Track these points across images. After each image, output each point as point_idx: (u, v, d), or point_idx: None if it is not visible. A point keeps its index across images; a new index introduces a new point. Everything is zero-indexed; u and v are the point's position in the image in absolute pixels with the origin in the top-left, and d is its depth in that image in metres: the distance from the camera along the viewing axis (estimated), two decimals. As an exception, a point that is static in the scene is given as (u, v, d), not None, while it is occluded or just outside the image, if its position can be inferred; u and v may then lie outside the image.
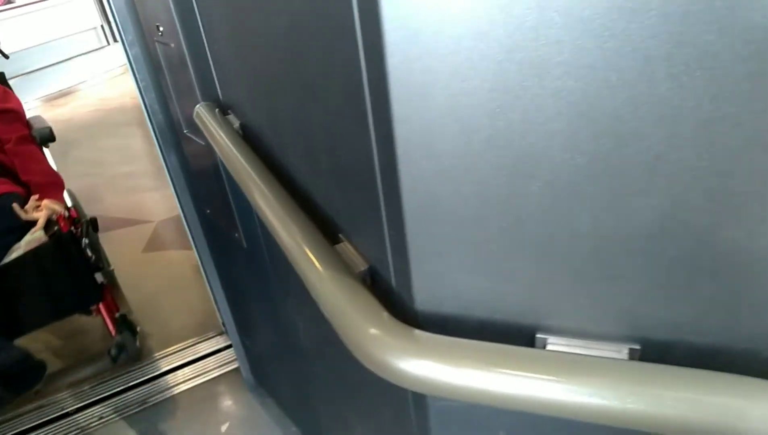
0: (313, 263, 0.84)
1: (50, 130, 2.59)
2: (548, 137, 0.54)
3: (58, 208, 2.23)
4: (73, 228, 2.35)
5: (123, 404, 2.46)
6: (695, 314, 0.60)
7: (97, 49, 5.98)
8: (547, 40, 0.49)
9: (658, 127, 0.50)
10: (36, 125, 2.63)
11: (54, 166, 2.65)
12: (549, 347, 0.68)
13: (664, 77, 0.48)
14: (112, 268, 2.73)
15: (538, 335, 0.68)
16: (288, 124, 0.99)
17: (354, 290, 0.77)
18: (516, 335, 0.69)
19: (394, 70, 0.56)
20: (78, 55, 5.96)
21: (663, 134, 0.51)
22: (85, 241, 2.38)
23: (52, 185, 2.43)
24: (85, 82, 6.05)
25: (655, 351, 0.64)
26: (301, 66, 0.81)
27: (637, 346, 0.64)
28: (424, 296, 0.71)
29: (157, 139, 2.02)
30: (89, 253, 2.39)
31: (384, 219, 0.70)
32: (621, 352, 0.65)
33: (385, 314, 0.73)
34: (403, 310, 0.76)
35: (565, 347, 0.67)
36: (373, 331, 0.72)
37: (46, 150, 2.69)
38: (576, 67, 0.50)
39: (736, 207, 0.52)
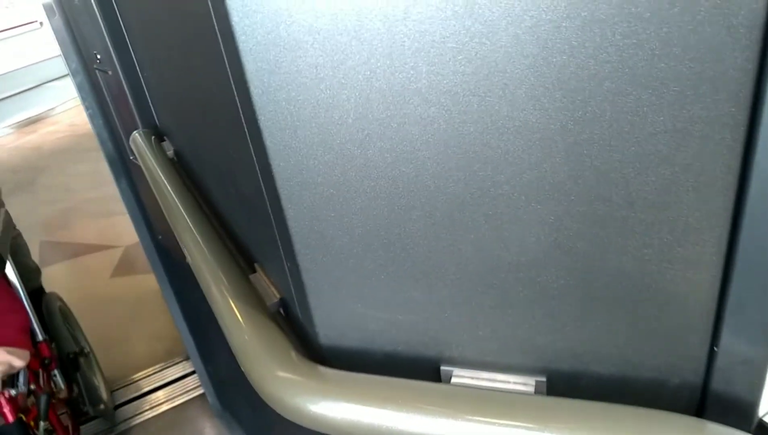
0: (224, 298, 0.80)
1: None
2: (419, 166, 0.51)
3: (16, 361, 1.49)
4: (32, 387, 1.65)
5: (90, 432, 2.40)
6: (595, 344, 0.57)
7: (65, 76, 5.92)
8: (402, 67, 0.47)
9: (528, 153, 0.48)
10: None
11: (16, 283, 1.80)
12: (454, 380, 0.65)
13: (525, 100, 0.45)
14: (103, 405, 2.23)
15: (443, 367, 0.65)
16: (205, 154, 0.96)
17: (260, 326, 0.74)
18: (421, 367, 0.66)
19: (259, 101, 0.53)
20: (47, 82, 5.91)
21: (533, 159, 0.48)
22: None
23: (7, 325, 1.59)
24: (54, 108, 6.00)
25: (562, 382, 0.61)
26: (201, 98, 0.78)
27: (543, 378, 0.61)
28: (327, 330, 0.68)
29: (108, 166, 1.98)
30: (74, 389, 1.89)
31: (281, 250, 0.67)
32: (528, 384, 0.62)
33: (292, 353, 0.70)
34: (310, 345, 0.72)
35: (471, 380, 0.64)
36: (279, 372, 0.68)
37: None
38: (435, 94, 0.47)
39: (618, 233, 0.50)
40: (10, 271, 1.78)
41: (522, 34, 0.43)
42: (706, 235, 0.47)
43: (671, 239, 0.48)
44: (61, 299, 2.33)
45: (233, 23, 0.48)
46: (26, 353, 1.53)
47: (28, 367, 1.57)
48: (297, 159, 0.55)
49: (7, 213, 1.89)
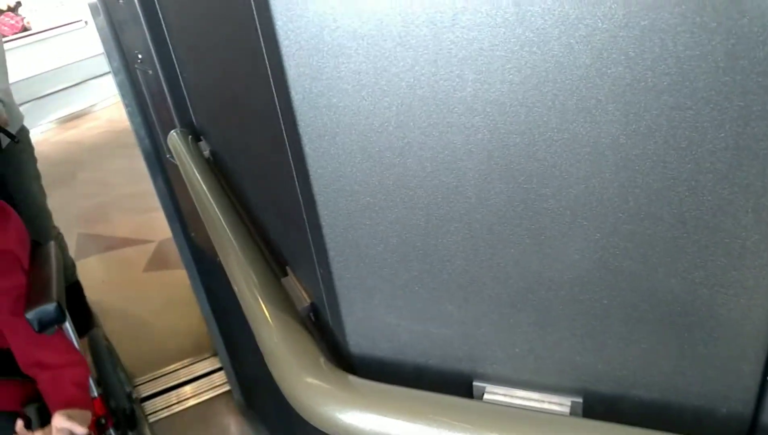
0: (255, 300, 0.80)
1: (56, 308, 1.34)
2: (460, 176, 0.50)
3: (77, 428, 1.23)
4: None
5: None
6: (638, 367, 0.55)
7: (106, 73, 6.06)
8: (448, 75, 0.45)
9: (575, 167, 0.46)
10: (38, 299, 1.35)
11: (73, 340, 1.56)
12: (487, 396, 0.63)
13: (576, 112, 0.44)
14: None
15: (475, 383, 0.63)
16: (241, 155, 0.96)
17: (290, 331, 0.73)
18: (453, 382, 0.64)
19: (300, 106, 0.52)
20: (88, 79, 6.05)
21: (581, 174, 0.46)
22: None
23: (64, 379, 1.36)
24: (95, 105, 6.13)
25: (599, 405, 0.59)
26: (239, 101, 0.78)
27: (580, 399, 0.59)
28: (357, 338, 0.66)
29: (145, 163, 2.00)
30: None
31: (314, 256, 0.66)
32: (563, 405, 0.60)
33: (321, 359, 0.69)
34: (339, 353, 0.71)
35: (504, 397, 0.62)
36: (308, 379, 0.67)
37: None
38: (480, 103, 0.45)
39: (668, 253, 0.47)
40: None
41: (575, 44, 0.41)
42: (764, 260, 0.45)
43: (726, 263, 0.46)
44: (106, 338, 2.07)
45: (277, 27, 0.48)
46: (87, 415, 1.30)
47: None
48: (335, 166, 0.54)
49: (56, 247, 1.64)
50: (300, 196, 0.62)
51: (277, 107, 0.57)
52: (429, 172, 0.51)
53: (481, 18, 0.42)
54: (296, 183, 0.62)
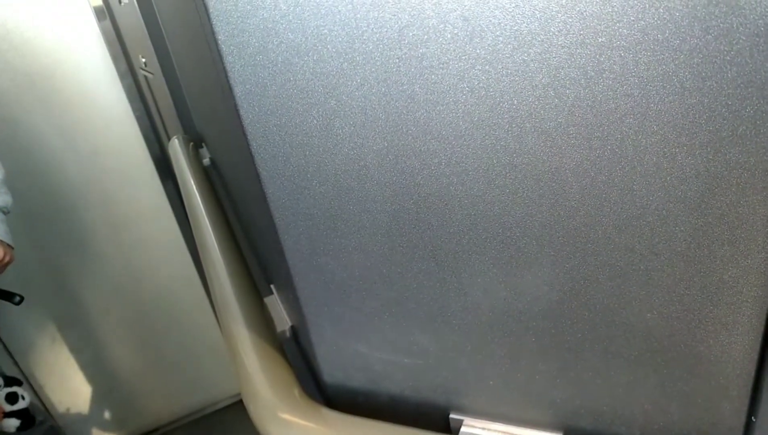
0: (234, 323, 0.77)
1: None
2: (419, 202, 0.46)
3: None
4: None
5: None
6: (617, 403, 0.51)
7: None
8: (398, 94, 0.42)
9: (538, 194, 0.42)
10: None
11: None
12: (464, 429, 0.59)
13: (535, 135, 0.40)
14: None
15: (452, 415, 0.60)
16: (230, 166, 0.94)
17: (267, 358, 0.70)
18: (430, 413, 0.61)
19: (250, 127, 0.49)
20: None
21: (545, 202, 0.42)
22: None
23: None
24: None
25: (580, 440, 0.55)
26: (217, 112, 0.76)
27: (560, 434, 0.55)
28: (330, 368, 0.64)
29: (155, 168, 2.00)
30: None
31: (286, 278, 0.64)
32: (542, 439, 0.56)
33: (296, 390, 0.66)
34: (316, 379, 0.68)
35: (482, 431, 0.58)
36: (281, 414, 0.64)
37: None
38: (435, 125, 0.42)
39: (642, 286, 0.43)
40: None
41: (530, 62, 0.37)
42: (743, 295, 0.40)
43: (702, 297, 0.42)
44: None
45: (219, 42, 0.45)
46: None
47: None
48: (291, 188, 0.51)
49: None
50: (269, 217, 0.60)
51: (239, 124, 0.55)
52: (388, 197, 0.48)
53: (428, 33, 0.39)
54: (267, 202, 0.59)
